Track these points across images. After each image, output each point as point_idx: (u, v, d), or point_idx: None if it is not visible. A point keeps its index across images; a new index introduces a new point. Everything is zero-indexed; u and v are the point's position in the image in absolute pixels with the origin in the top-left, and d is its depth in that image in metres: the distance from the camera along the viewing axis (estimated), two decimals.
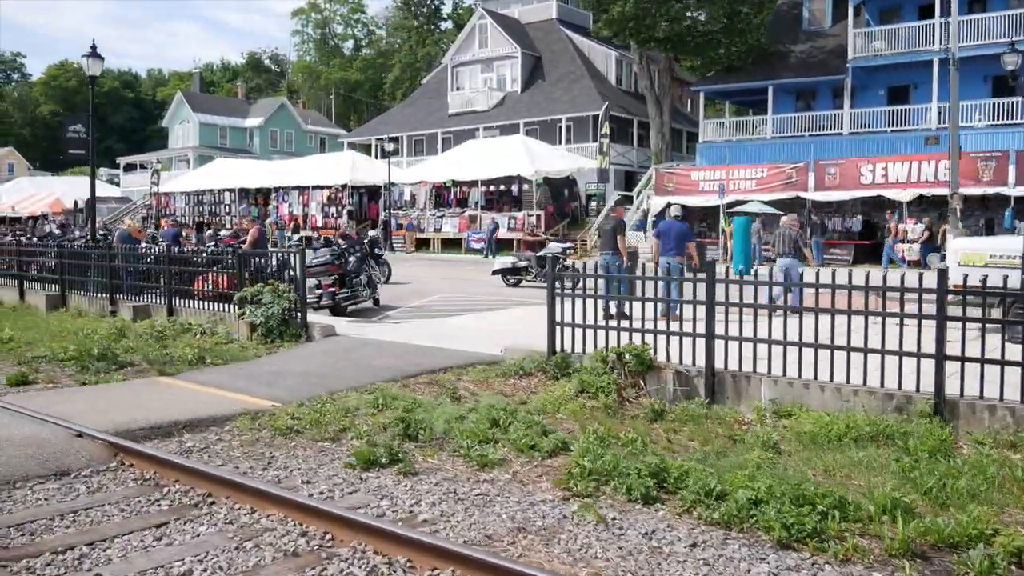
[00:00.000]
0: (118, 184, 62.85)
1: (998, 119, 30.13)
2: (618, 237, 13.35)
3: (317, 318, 12.49)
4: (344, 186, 40.45)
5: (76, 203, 49.49)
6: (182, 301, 13.44)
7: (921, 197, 27.66)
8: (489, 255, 31.44)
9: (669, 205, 34.12)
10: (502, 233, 33.86)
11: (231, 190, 44.85)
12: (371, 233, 27.28)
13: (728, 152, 35.95)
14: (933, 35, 32.01)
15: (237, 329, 11.90)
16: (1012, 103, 29.82)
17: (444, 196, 38.00)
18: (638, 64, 40.04)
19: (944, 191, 27.30)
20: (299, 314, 11.32)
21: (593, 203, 36.21)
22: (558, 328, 8.80)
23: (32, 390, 8.90)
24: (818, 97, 36.87)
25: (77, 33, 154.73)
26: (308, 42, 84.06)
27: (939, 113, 31.61)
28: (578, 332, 8.75)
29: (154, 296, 14.12)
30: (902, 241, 26.56)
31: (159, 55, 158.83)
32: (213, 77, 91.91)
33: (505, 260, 20.23)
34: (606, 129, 36.90)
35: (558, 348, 8.78)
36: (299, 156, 57.60)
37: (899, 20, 33.92)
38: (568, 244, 18.86)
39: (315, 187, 41.97)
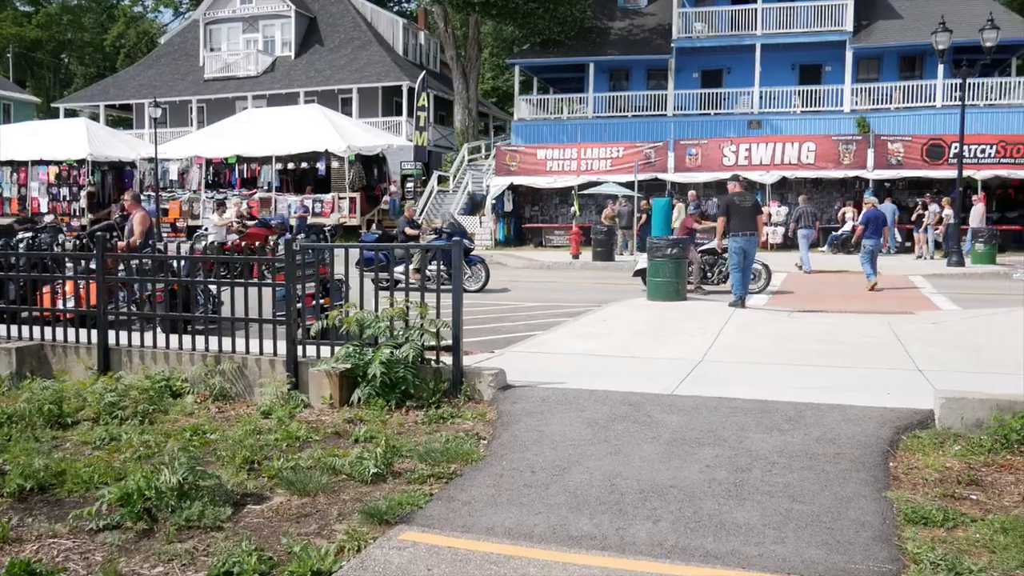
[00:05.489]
0: None
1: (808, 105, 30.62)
2: (758, 217, 11.77)
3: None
4: (82, 162, 31.93)
5: None
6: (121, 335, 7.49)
7: (784, 180, 27.03)
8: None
9: (511, 186, 30.74)
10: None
11: None
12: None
13: (547, 131, 33.34)
14: (754, 20, 31.75)
15: (286, 384, 6.51)
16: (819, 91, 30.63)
17: (226, 175, 31.17)
18: (443, 32, 36.03)
19: (806, 173, 27.02)
20: (450, 358, 6.27)
21: (409, 184, 31.63)
22: None
23: None
24: (631, 77, 35.58)
25: None
26: None
27: (760, 98, 31.52)
28: None
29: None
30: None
31: None
32: None
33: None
34: (423, 102, 32.69)
35: None
36: None
37: (714, 3, 33.43)
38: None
39: (35, 163, 32.80)
